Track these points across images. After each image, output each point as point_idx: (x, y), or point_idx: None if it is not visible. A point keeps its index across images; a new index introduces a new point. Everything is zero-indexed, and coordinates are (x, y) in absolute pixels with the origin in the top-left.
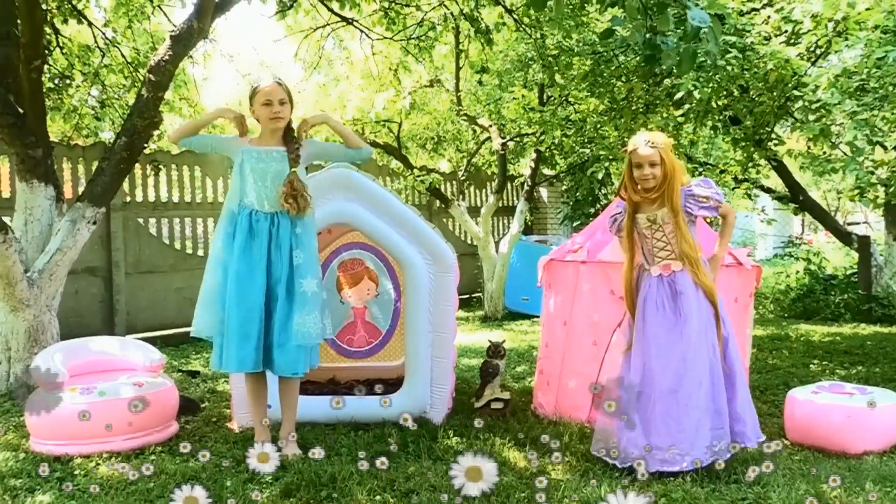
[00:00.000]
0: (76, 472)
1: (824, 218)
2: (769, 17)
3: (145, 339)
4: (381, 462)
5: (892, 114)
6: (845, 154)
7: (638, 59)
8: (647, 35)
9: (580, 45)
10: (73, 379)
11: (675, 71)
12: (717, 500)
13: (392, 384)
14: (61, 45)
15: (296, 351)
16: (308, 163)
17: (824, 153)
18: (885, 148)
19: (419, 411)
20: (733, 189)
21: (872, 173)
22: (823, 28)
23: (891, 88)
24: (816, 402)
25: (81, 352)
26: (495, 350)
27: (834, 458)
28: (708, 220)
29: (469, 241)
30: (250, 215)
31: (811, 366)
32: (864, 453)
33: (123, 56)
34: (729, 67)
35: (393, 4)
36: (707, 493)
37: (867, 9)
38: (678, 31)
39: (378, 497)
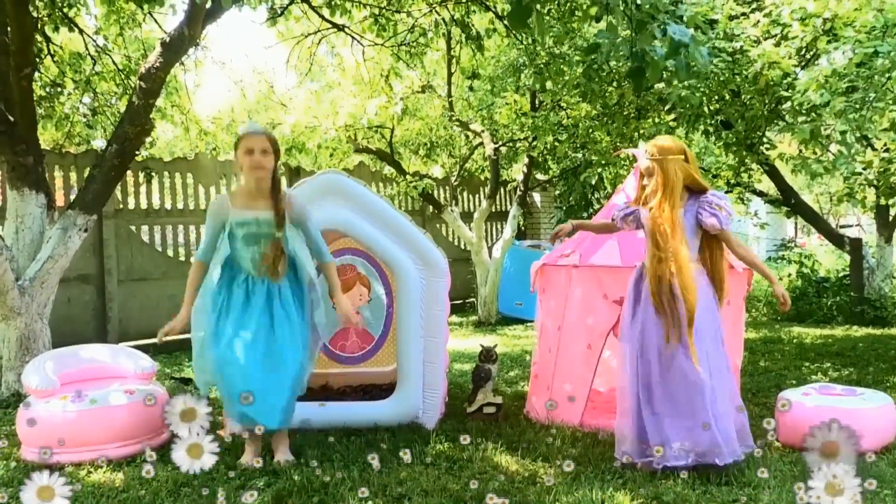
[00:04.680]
0: (68, 481)
1: (817, 221)
2: (758, 20)
3: (138, 347)
4: (372, 457)
5: (882, 112)
6: (835, 155)
7: (628, 64)
8: (633, 49)
9: (572, 50)
10: (64, 387)
11: (663, 79)
12: (708, 502)
13: (385, 389)
14: (52, 52)
15: (290, 406)
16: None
17: (815, 154)
18: (873, 148)
19: (411, 416)
20: (726, 193)
21: (860, 174)
22: (812, 27)
23: (879, 86)
24: (806, 405)
25: (72, 360)
26: (487, 355)
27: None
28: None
29: (462, 247)
30: (246, 281)
31: (803, 368)
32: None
33: (115, 63)
34: (718, 71)
35: (383, 11)
36: (698, 494)
37: (856, 9)
38: (662, 45)
39: (370, 502)
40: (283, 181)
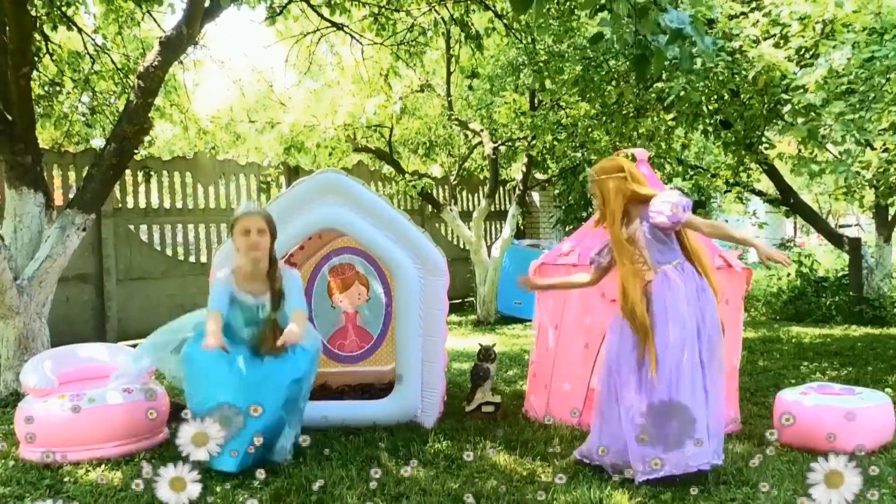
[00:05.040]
0: (66, 480)
1: (816, 221)
2: (757, 20)
3: (136, 346)
4: (375, 471)
5: (880, 113)
6: (834, 156)
7: (628, 63)
8: (637, 37)
9: (571, 49)
10: (62, 386)
11: (663, 75)
12: (705, 501)
13: (383, 389)
14: (51, 51)
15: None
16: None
17: (813, 154)
18: (873, 148)
19: (410, 416)
20: (725, 192)
21: (859, 174)
22: (811, 30)
23: (878, 89)
24: (805, 404)
25: (71, 359)
26: (486, 354)
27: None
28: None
29: (461, 246)
30: (240, 346)
31: (801, 367)
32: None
33: (113, 62)
34: (718, 70)
35: (383, 10)
36: (696, 494)
37: (854, 11)
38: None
39: (368, 502)
40: (280, 264)
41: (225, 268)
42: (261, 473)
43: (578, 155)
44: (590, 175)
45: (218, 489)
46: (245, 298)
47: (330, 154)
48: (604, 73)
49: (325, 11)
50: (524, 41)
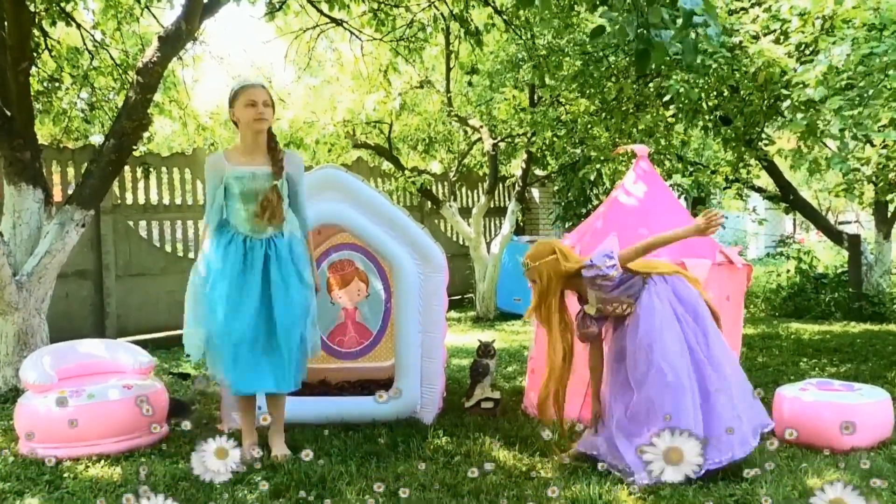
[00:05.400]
0: (65, 476)
1: (815, 217)
2: (757, 16)
3: (136, 342)
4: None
5: (879, 109)
6: (832, 151)
7: (628, 59)
8: (640, 30)
9: (570, 44)
10: (61, 382)
11: (663, 71)
12: (705, 497)
13: (383, 385)
14: (50, 47)
15: (302, 367)
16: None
17: (811, 150)
18: (872, 144)
19: (409, 412)
20: (725, 189)
21: (858, 170)
22: (811, 26)
23: (877, 85)
24: (804, 400)
25: (70, 355)
26: (485, 350)
27: (822, 455)
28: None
29: (461, 242)
30: (244, 242)
31: (801, 363)
32: (852, 449)
33: (112, 58)
34: (717, 67)
35: (382, 5)
36: (695, 489)
37: (854, 7)
38: (671, 20)
39: (367, 497)
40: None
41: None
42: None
43: (578, 151)
44: (524, 265)
45: (217, 485)
46: (240, 170)
47: (329, 150)
48: (603, 68)
49: (325, 7)
50: (524, 37)
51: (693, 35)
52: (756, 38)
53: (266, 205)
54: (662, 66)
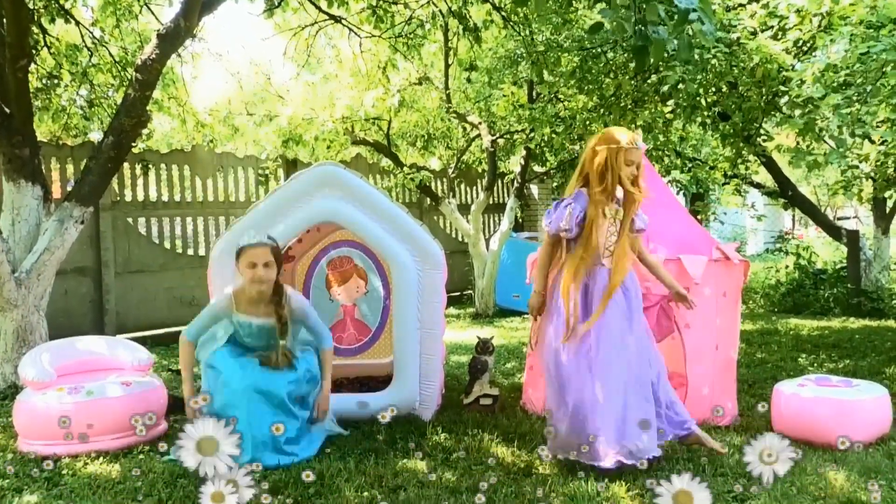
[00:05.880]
0: (64, 472)
1: (814, 213)
2: (755, 12)
3: (135, 339)
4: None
5: (877, 107)
6: (831, 147)
7: (626, 55)
8: (637, 27)
9: (568, 41)
10: (60, 379)
11: (661, 66)
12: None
13: (382, 381)
14: (49, 44)
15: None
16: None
17: (809, 147)
18: (871, 141)
19: (408, 408)
20: (723, 185)
21: (857, 167)
22: (808, 23)
23: (875, 82)
24: (802, 396)
25: (69, 352)
26: (484, 346)
27: (820, 451)
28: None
29: (459, 239)
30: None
31: (799, 359)
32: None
33: (111, 55)
34: (715, 61)
35: (381, 2)
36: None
37: (851, 4)
38: (668, 17)
39: (366, 493)
40: (285, 289)
41: (227, 288)
42: (257, 467)
43: (576, 147)
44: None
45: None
46: (248, 321)
47: (328, 147)
48: (602, 64)
49: (323, 4)
50: (522, 33)
51: (690, 31)
52: (754, 34)
53: (271, 362)
54: (660, 63)
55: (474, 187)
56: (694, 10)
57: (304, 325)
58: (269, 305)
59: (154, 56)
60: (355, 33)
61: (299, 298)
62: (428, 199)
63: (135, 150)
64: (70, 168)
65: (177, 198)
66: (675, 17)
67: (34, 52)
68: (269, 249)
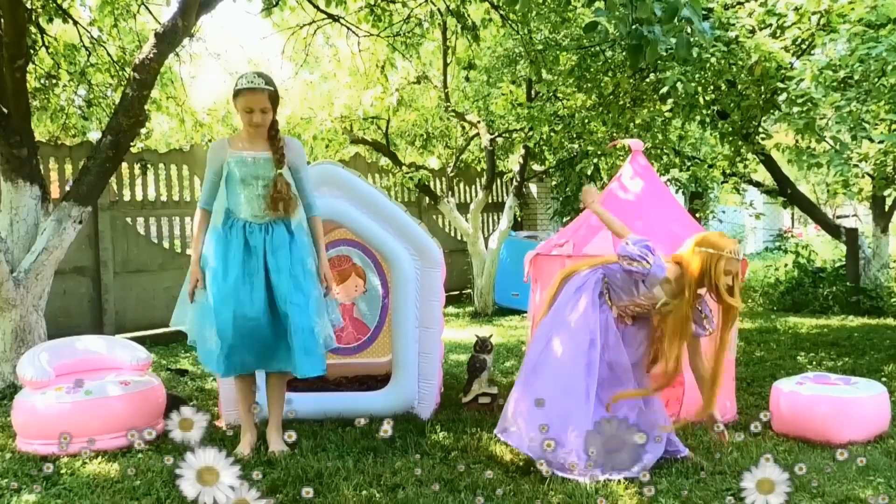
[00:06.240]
0: (63, 472)
1: (813, 211)
2: (753, 10)
3: (134, 339)
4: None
5: (877, 107)
6: (832, 146)
7: (624, 53)
8: (633, 26)
9: (567, 39)
10: (59, 378)
11: (660, 65)
12: (701, 491)
13: (380, 380)
14: (47, 44)
15: (320, 354)
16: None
17: (809, 147)
18: (871, 140)
19: (407, 407)
20: (722, 183)
21: (857, 166)
22: (807, 21)
23: (875, 82)
24: (801, 393)
25: (67, 351)
26: (482, 345)
27: (819, 449)
28: (699, 217)
29: (458, 238)
30: (244, 227)
31: (798, 357)
32: (849, 443)
33: (109, 55)
34: (713, 60)
35: (379, 1)
36: (692, 483)
37: (849, 2)
38: (663, 12)
39: (364, 492)
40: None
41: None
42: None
43: (575, 146)
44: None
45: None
46: (242, 155)
47: (327, 146)
48: (600, 63)
49: (321, 3)
50: (521, 32)
51: (688, 29)
52: (752, 32)
53: (277, 196)
54: (658, 62)
55: (473, 186)
56: (682, 12)
57: (294, 179)
58: (266, 140)
59: (152, 55)
60: (353, 32)
61: (296, 146)
62: (427, 198)
63: (133, 150)
64: (68, 168)
65: (175, 197)
66: (666, 8)
67: (32, 51)
68: (267, 95)
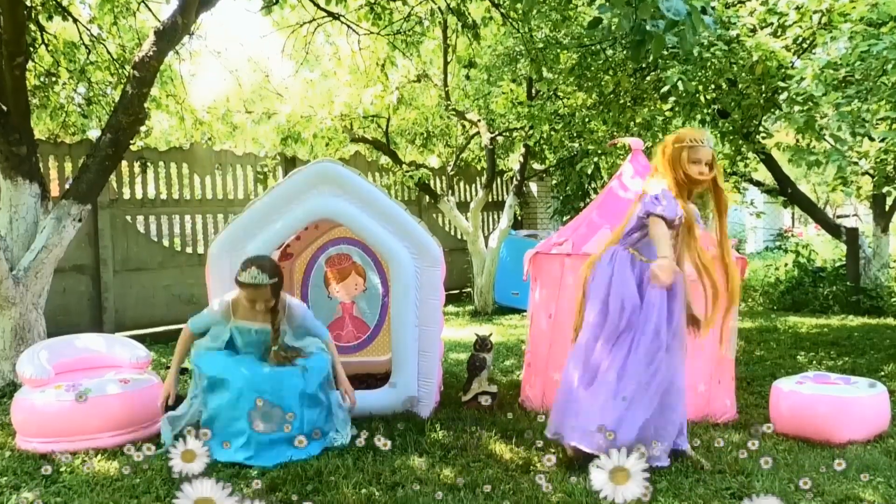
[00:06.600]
0: (62, 469)
1: (813, 211)
2: (754, 9)
3: (134, 337)
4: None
5: (878, 106)
6: (832, 145)
7: (625, 52)
8: (636, 21)
9: (567, 38)
10: (58, 376)
11: (660, 64)
12: (701, 489)
13: (380, 379)
14: (46, 42)
15: None
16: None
17: (809, 145)
18: (872, 139)
19: (406, 405)
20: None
21: (856, 163)
22: (808, 20)
23: (876, 80)
24: (801, 393)
25: (67, 349)
26: (482, 344)
27: (818, 448)
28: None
29: (458, 237)
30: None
31: (798, 357)
32: (848, 443)
33: (109, 53)
34: (714, 59)
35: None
36: (691, 482)
37: (850, 1)
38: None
39: (364, 490)
40: (283, 297)
41: (227, 295)
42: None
43: (576, 145)
44: (708, 140)
45: (214, 478)
46: (244, 325)
47: (327, 144)
48: (601, 61)
49: (322, 1)
50: (521, 30)
51: (691, 26)
52: (753, 31)
53: (277, 355)
54: (659, 59)
55: (473, 185)
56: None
57: (304, 329)
58: (267, 313)
59: (152, 53)
60: (354, 30)
61: (299, 312)
62: (427, 197)
63: (133, 148)
64: (68, 166)
65: (175, 195)
66: (666, 19)
67: (32, 49)
68: (269, 288)
